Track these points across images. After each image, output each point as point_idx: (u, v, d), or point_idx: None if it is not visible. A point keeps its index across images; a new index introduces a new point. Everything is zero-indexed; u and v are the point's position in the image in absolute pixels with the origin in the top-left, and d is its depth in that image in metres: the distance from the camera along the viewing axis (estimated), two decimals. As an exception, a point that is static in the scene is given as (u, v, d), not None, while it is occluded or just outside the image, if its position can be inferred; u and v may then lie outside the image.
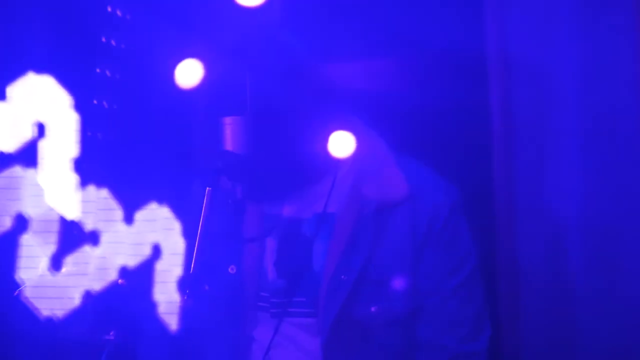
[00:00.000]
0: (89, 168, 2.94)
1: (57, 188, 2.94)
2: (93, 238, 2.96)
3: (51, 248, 2.93)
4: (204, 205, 1.84)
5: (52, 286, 2.94)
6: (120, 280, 2.82)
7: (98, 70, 2.63)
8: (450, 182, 2.11)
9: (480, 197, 2.35)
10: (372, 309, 2.02)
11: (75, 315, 2.84)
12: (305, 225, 2.09)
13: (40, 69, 2.84)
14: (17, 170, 2.91)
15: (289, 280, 2.06)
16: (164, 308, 2.96)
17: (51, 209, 2.93)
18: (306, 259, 2.06)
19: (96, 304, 2.86)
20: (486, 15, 2.53)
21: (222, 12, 2.37)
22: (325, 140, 1.98)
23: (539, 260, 2.45)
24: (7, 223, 2.89)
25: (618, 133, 2.42)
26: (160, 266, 3.02)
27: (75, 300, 2.94)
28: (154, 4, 2.70)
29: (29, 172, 2.92)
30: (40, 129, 2.92)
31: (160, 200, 2.95)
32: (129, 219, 2.97)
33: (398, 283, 2.02)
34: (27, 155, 2.92)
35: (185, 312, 2.06)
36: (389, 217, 2.05)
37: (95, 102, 2.63)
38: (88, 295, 2.89)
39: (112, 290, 2.85)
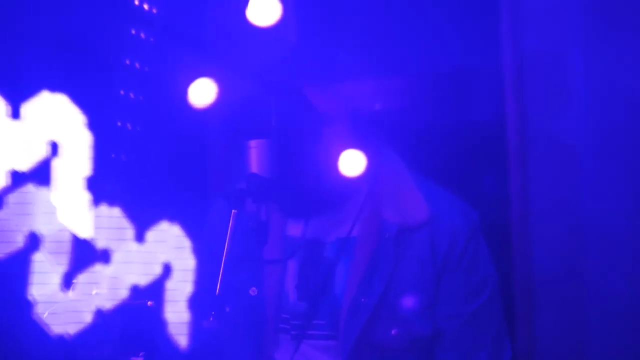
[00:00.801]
0: (103, 187, 2.95)
1: (69, 206, 2.95)
2: (104, 256, 2.97)
3: (63, 266, 2.93)
4: (229, 227, 1.85)
5: (65, 304, 2.95)
6: (149, 303, 2.83)
7: (122, 92, 2.65)
8: (468, 205, 2.13)
9: (496, 214, 2.37)
10: (393, 331, 2.04)
11: (95, 336, 2.85)
12: (328, 248, 2.11)
13: (55, 88, 2.86)
14: (30, 188, 2.92)
15: (310, 303, 2.08)
16: (174, 326, 2.97)
17: (64, 228, 2.93)
18: (327, 281, 2.08)
19: (115, 324, 2.86)
20: (502, 34, 2.57)
21: (240, 33, 2.39)
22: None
23: (556, 276, 2.48)
24: (20, 241, 2.89)
25: (629, 144, 2.45)
26: (170, 285, 3.03)
27: (87, 319, 2.94)
28: (176, 26, 2.72)
29: (42, 191, 2.93)
30: (54, 147, 2.93)
31: (172, 220, 2.97)
32: (140, 237, 2.98)
33: (418, 306, 2.04)
34: (41, 174, 2.92)
35: (209, 334, 2.06)
36: (409, 240, 2.06)
37: (119, 123, 2.64)
38: (102, 315, 2.90)
39: (133, 310, 2.86)
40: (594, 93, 2.51)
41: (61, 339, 2.91)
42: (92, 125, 2.91)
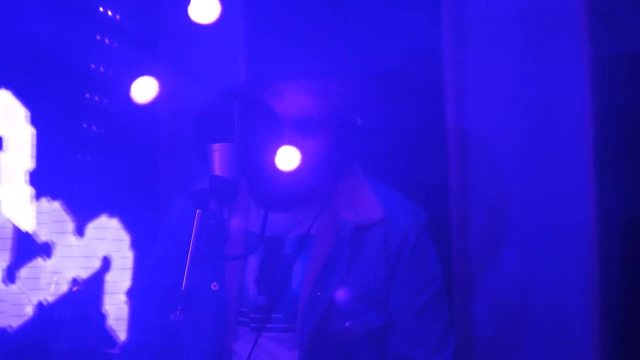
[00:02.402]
0: (45, 180, 2.98)
1: (13, 200, 2.98)
2: (46, 249, 3.01)
3: (6, 260, 2.96)
4: (194, 225, 1.94)
5: (6, 297, 2.98)
6: (75, 288, 2.88)
7: (87, 95, 2.70)
8: (418, 206, 2.25)
9: (436, 210, 2.50)
10: (347, 323, 2.14)
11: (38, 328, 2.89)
12: (287, 244, 2.21)
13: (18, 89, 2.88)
14: (-26, 183, 2.94)
15: (269, 297, 2.17)
16: (114, 318, 3.03)
17: (7, 221, 2.96)
18: (286, 277, 2.17)
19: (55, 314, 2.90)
20: (443, 42, 2.72)
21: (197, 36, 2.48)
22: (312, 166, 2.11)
23: (492, 271, 2.65)
24: (-35, 235, 2.91)
25: (558, 142, 2.63)
26: (109, 278, 3.08)
27: (29, 311, 2.98)
28: (139, 31, 2.78)
29: (-14, 186, 2.95)
30: (-2, 142, 2.96)
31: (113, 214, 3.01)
32: (80, 231, 3.02)
33: (371, 300, 2.16)
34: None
35: (174, 328, 2.15)
36: (364, 238, 2.17)
37: (85, 125, 2.69)
38: (43, 307, 2.93)
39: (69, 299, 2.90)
40: (529, 95, 2.68)
41: (3, 331, 2.94)
42: (37, 120, 2.93)
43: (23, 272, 3.00)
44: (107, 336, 3.01)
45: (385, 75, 2.79)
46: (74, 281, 2.99)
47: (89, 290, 3.00)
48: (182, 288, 1.92)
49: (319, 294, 2.14)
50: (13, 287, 2.98)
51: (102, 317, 3.01)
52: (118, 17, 2.74)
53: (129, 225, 3.02)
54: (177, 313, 1.92)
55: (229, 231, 2.05)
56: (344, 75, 2.28)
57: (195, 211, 1.96)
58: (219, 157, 2.02)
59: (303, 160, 2.02)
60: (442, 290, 2.23)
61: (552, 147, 2.63)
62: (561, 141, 2.62)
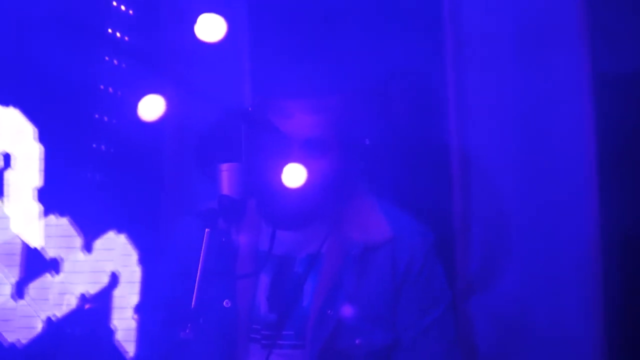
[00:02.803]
0: (53, 197, 3.00)
1: (21, 216, 3.00)
2: (54, 265, 3.03)
3: (15, 275, 2.99)
4: (203, 244, 1.98)
5: (15, 312, 3.00)
6: (87, 306, 2.90)
7: (97, 116, 2.73)
8: (425, 226, 2.28)
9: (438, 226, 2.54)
10: (356, 341, 2.18)
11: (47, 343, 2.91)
12: (298, 263, 2.24)
13: (7, 102, 2.91)
14: (-16, 199, 2.97)
15: (280, 314, 2.21)
16: (121, 334, 3.05)
17: (15, 237, 2.99)
18: (296, 295, 2.21)
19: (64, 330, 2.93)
20: (446, 58, 2.76)
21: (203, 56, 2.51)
22: (320, 185, 2.16)
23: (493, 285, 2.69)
24: (-26, 251, 2.94)
25: (557, 154, 2.67)
26: (117, 293, 3.10)
27: (39, 327, 3.00)
28: (147, 52, 2.81)
29: (-5, 201, 2.98)
30: (6, 159, 2.98)
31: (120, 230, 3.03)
32: (88, 247, 3.05)
33: (379, 318, 2.19)
34: (-6, 185, 2.98)
35: (183, 345, 2.18)
36: (372, 258, 2.21)
37: (94, 145, 2.73)
38: (53, 323, 2.95)
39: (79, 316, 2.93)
40: (527, 108, 2.72)
41: (13, 347, 2.97)
42: (44, 138, 2.96)
43: (32, 288, 3.02)
44: (115, 352, 3.03)
45: (387, 93, 2.82)
46: (85, 298, 3.01)
47: (99, 306, 3.03)
48: (192, 306, 1.96)
49: (329, 312, 2.18)
50: (22, 303, 3.00)
51: (111, 333, 3.03)
52: (127, 38, 2.78)
53: (133, 241, 3.04)
54: (187, 331, 1.95)
55: (238, 250, 2.09)
56: (348, 94, 2.30)
57: (204, 230, 2.00)
58: (227, 177, 2.06)
59: (311, 179, 2.07)
60: (449, 310, 2.27)
61: (553, 163, 2.66)
62: (562, 157, 2.66)
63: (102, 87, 2.79)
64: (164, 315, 2.24)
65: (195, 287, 1.97)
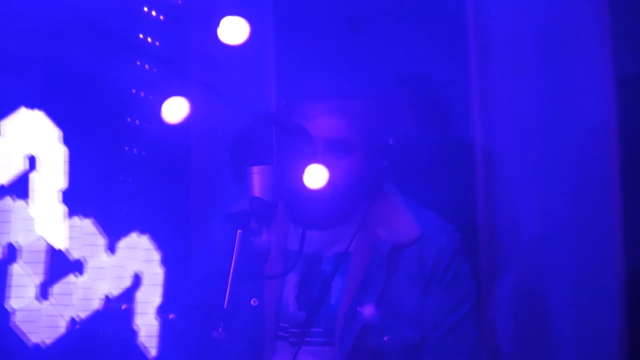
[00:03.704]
0: (77, 199, 3.02)
1: (46, 218, 3.02)
2: (78, 267, 3.05)
3: (39, 276, 3.00)
4: (235, 245, 2.00)
5: (40, 313, 3.01)
6: (124, 306, 2.92)
7: (129, 119, 2.76)
8: (452, 226, 2.29)
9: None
10: (385, 338, 2.20)
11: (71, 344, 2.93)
12: (325, 262, 2.27)
13: (33, 104, 2.94)
14: (8, 201, 2.99)
15: (308, 312, 2.22)
16: (144, 334, 3.07)
17: (40, 239, 3.01)
18: (324, 293, 2.23)
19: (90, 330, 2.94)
20: (470, 62, 2.77)
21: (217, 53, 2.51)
22: (347, 185, 2.19)
23: (519, 285, 2.70)
24: (-1, 253, 2.96)
25: (581, 157, 2.69)
26: (140, 295, 3.11)
27: (63, 327, 3.01)
28: (177, 57, 2.84)
29: (19, 203, 3.00)
30: (32, 161, 3.00)
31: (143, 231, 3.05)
32: (111, 248, 3.06)
33: (407, 316, 2.20)
34: (18, 187, 3.00)
35: (214, 345, 2.20)
36: (400, 256, 2.23)
37: (126, 148, 2.75)
38: (77, 323, 2.97)
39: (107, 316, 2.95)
40: (551, 111, 2.74)
41: (37, 347, 2.98)
42: (69, 140, 2.98)
43: (56, 289, 3.03)
44: (138, 352, 3.05)
45: (413, 95, 2.84)
46: (108, 299, 3.03)
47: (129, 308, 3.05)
48: (225, 306, 1.98)
49: (358, 309, 2.20)
50: (46, 304, 3.01)
51: (134, 334, 3.04)
52: (157, 43, 2.81)
53: (161, 243, 3.06)
54: (220, 330, 1.97)
55: (269, 250, 2.11)
56: (373, 95, 2.32)
57: (236, 232, 2.03)
58: (258, 179, 2.08)
59: (337, 179, 2.11)
60: (475, 309, 2.28)
61: (576, 165, 2.67)
62: (585, 158, 2.67)
63: (134, 91, 2.81)
64: (197, 316, 2.27)
65: (228, 287, 1.99)
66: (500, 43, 2.75)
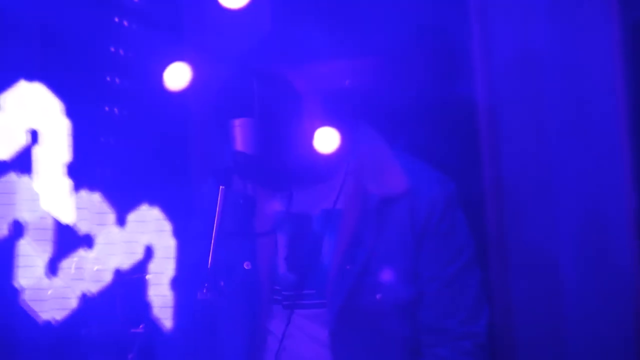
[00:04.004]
0: (83, 172, 2.98)
1: (51, 193, 2.98)
2: (87, 241, 3.00)
3: (47, 253, 2.96)
4: (218, 203, 1.91)
5: (50, 290, 2.98)
6: (148, 276, 2.87)
7: (108, 78, 2.69)
8: (445, 176, 2.22)
9: (470, 184, 2.46)
10: (377, 296, 2.13)
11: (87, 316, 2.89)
12: (314, 220, 2.19)
13: (38, 76, 2.89)
14: (12, 177, 2.94)
15: (299, 274, 2.16)
16: (158, 306, 3.01)
17: (46, 214, 2.96)
18: (315, 253, 2.16)
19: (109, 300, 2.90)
20: (471, 11, 2.66)
21: (218, 17, 2.45)
22: (328, 140, 2.08)
23: (529, 250, 2.58)
24: (4, 229, 2.92)
25: (596, 126, 2.56)
26: (153, 267, 3.06)
27: (73, 303, 2.97)
28: (157, 13, 2.76)
29: (24, 179, 2.96)
30: (34, 135, 2.96)
31: (153, 203, 3.00)
32: (121, 221, 3.01)
33: (400, 272, 2.14)
34: (22, 162, 2.95)
35: (203, 307, 2.12)
36: (390, 210, 2.15)
37: (107, 108, 2.69)
38: (89, 297, 2.93)
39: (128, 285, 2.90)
40: (561, 71, 2.61)
41: (48, 324, 2.94)
42: (73, 112, 2.94)
43: (65, 265, 2.99)
44: (151, 324, 2.99)
45: (411, 52, 2.73)
46: (119, 272, 2.98)
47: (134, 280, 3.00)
48: (209, 266, 1.90)
49: (347, 267, 2.12)
50: (55, 280, 2.97)
51: (147, 306, 2.99)
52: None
53: (169, 212, 3.00)
54: (204, 291, 1.89)
55: (255, 208, 2.02)
56: (369, 53, 2.24)
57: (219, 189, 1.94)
58: (240, 132, 2.00)
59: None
60: (472, 260, 2.21)
61: (585, 116, 2.55)
62: (593, 110, 2.54)
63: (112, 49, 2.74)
64: (186, 278, 2.21)
65: (211, 246, 1.91)
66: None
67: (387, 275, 2.13)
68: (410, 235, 2.15)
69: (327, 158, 2.14)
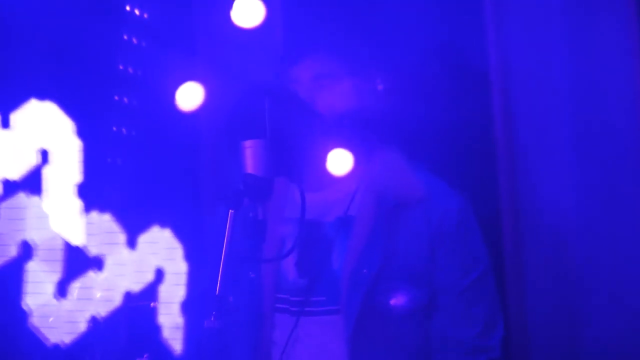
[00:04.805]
0: (94, 193, 2.95)
1: (61, 214, 2.95)
2: (97, 263, 2.97)
3: (57, 274, 2.93)
4: (227, 226, 1.86)
5: (59, 312, 2.94)
6: (152, 304, 2.84)
7: (116, 97, 2.67)
8: (460, 192, 2.19)
9: (486, 201, 2.43)
10: (392, 301, 2.11)
11: (94, 341, 2.85)
12: (327, 227, 2.17)
13: (46, 95, 2.86)
14: (22, 197, 2.92)
15: (310, 280, 2.13)
16: (169, 329, 2.97)
17: (56, 235, 2.93)
18: (326, 258, 2.14)
19: (114, 327, 2.87)
20: (487, 29, 2.62)
21: (229, 36, 2.42)
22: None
23: (544, 259, 2.54)
24: (13, 250, 2.89)
25: (612, 133, 2.56)
26: (164, 289, 3.02)
27: (82, 326, 2.94)
28: (167, 30, 2.74)
29: (34, 199, 2.93)
30: (44, 155, 2.93)
31: (164, 224, 2.96)
32: (132, 243, 2.98)
33: (415, 277, 2.11)
34: (32, 182, 2.92)
35: (211, 333, 2.08)
36: (405, 216, 2.14)
37: (114, 128, 2.66)
38: (98, 321, 2.89)
39: (133, 313, 2.87)
40: (576, 81, 2.57)
41: (56, 347, 2.91)
42: (83, 132, 2.91)
43: (74, 286, 2.96)
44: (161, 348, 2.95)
45: (427, 71, 2.69)
46: (130, 295, 2.95)
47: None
48: (216, 292, 1.85)
49: (365, 271, 2.10)
50: (65, 302, 2.94)
51: (157, 329, 2.95)
52: (146, 15, 2.70)
53: (180, 234, 2.96)
54: (212, 319, 1.84)
55: (265, 232, 1.97)
56: (381, 71, 2.23)
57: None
58: (251, 154, 1.95)
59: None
60: (488, 273, 2.18)
61: (602, 132, 2.51)
62: (612, 125, 2.49)
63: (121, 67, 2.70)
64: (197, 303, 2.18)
65: (220, 273, 1.85)
66: (521, 6, 2.58)
67: (401, 281, 2.12)
68: (426, 242, 2.14)
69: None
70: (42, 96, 2.90)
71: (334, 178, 2.14)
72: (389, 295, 2.11)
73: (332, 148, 2.07)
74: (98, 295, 2.94)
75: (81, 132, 2.93)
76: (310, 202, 2.05)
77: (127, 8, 2.67)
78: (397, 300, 2.11)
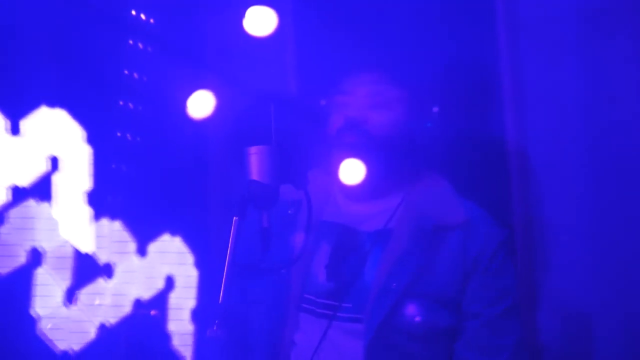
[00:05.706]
0: (104, 200, 2.94)
1: (71, 221, 2.94)
2: (107, 270, 2.96)
3: (66, 281, 2.92)
4: (231, 234, 1.85)
5: (68, 319, 2.93)
6: (153, 312, 2.83)
7: (121, 102, 2.66)
8: (504, 224, 2.23)
9: (499, 215, 2.39)
10: (417, 319, 2.12)
11: (100, 349, 2.84)
12: (364, 237, 2.19)
13: (54, 102, 2.86)
14: (32, 203, 2.91)
15: (339, 285, 2.15)
16: (178, 338, 2.96)
17: (65, 242, 2.92)
18: (359, 267, 2.15)
19: (120, 336, 2.86)
20: (500, 44, 2.59)
21: (237, 44, 2.41)
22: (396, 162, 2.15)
23: (557, 274, 2.51)
24: (22, 257, 2.88)
25: (625, 147, 2.53)
26: (173, 297, 3.01)
27: (91, 333, 2.93)
28: (174, 36, 2.73)
29: (43, 206, 2.92)
30: (54, 162, 2.92)
31: (174, 232, 2.95)
32: (142, 251, 2.97)
33: (443, 299, 2.13)
34: (41, 189, 2.92)
35: (213, 343, 2.07)
36: (443, 238, 2.16)
37: (119, 134, 2.65)
38: (106, 329, 2.88)
39: (137, 321, 2.86)
40: (591, 100, 2.53)
41: (65, 355, 2.90)
42: (92, 139, 2.90)
43: (84, 294, 2.94)
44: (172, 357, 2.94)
45: (440, 84, 2.67)
46: (140, 303, 2.93)
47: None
48: (219, 302, 1.84)
49: (394, 285, 2.12)
50: (74, 310, 2.93)
51: (167, 338, 2.94)
52: (152, 21, 2.69)
53: (189, 241, 2.95)
54: (215, 328, 1.83)
55: (270, 240, 1.95)
56: (404, 83, 2.25)
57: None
58: (256, 161, 1.94)
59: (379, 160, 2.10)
60: (516, 307, 2.20)
61: (619, 156, 2.46)
62: (626, 148, 2.46)
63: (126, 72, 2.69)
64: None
65: (223, 281, 1.84)
66: (532, 23, 2.54)
67: (428, 300, 2.13)
68: (461, 266, 2.15)
69: (385, 179, 2.18)
70: (50, 103, 2.89)
71: (378, 192, 2.18)
72: (413, 313, 2.12)
73: (378, 164, 2.11)
74: (107, 302, 2.93)
75: (91, 139, 2.92)
76: (352, 211, 2.16)
77: (133, 13, 2.66)
78: (420, 319, 2.12)
